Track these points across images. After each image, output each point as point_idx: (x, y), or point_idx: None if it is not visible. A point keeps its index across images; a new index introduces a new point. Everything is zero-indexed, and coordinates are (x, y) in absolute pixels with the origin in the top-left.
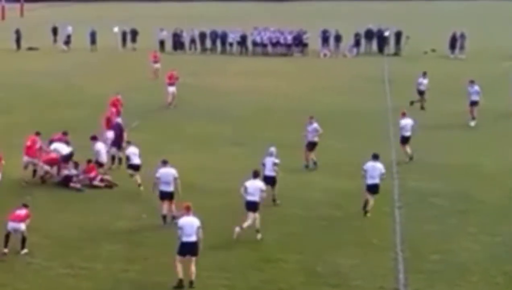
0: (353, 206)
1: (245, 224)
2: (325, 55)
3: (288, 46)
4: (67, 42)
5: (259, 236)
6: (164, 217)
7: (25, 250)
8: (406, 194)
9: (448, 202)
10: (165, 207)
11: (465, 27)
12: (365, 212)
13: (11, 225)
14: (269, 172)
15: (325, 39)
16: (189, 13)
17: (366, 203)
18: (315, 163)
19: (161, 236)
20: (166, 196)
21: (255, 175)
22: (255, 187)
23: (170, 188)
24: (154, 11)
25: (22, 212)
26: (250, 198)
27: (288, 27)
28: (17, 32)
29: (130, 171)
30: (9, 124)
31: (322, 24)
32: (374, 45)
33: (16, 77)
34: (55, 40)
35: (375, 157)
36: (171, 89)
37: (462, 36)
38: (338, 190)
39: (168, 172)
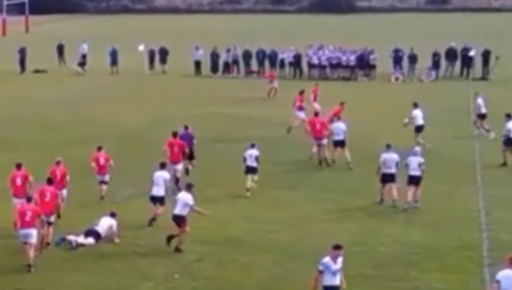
0: (432, 264)
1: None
2: (396, 79)
3: (351, 68)
4: (82, 63)
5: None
6: None
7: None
8: (497, 249)
9: None
10: None
11: None
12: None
13: (22, 232)
14: (414, 171)
15: (396, 60)
16: (230, 27)
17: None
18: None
19: None
20: None
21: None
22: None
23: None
24: (188, 25)
25: (29, 211)
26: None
27: (351, 45)
28: (22, 51)
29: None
30: (12, 163)
31: (393, 41)
32: (457, 67)
33: (20, 107)
34: (61, 61)
35: (389, 147)
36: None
37: None
38: (412, 244)
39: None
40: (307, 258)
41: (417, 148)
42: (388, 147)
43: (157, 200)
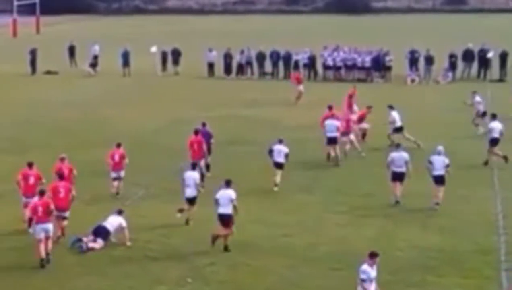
0: (449, 268)
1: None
2: (412, 81)
3: (367, 69)
4: (94, 64)
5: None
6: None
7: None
8: None
9: None
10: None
11: None
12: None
13: (39, 227)
14: (438, 171)
15: (413, 61)
16: (243, 29)
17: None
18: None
19: None
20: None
21: None
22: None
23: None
24: (201, 26)
25: (40, 207)
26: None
27: (367, 46)
28: (33, 52)
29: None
30: (22, 166)
31: (409, 42)
32: (474, 68)
33: (31, 108)
34: (72, 62)
35: (398, 146)
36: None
37: None
38: (428, 248)
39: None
40: (321, 263)
41: (440, 147)
42: (398, 146)
43: (190, 201)
